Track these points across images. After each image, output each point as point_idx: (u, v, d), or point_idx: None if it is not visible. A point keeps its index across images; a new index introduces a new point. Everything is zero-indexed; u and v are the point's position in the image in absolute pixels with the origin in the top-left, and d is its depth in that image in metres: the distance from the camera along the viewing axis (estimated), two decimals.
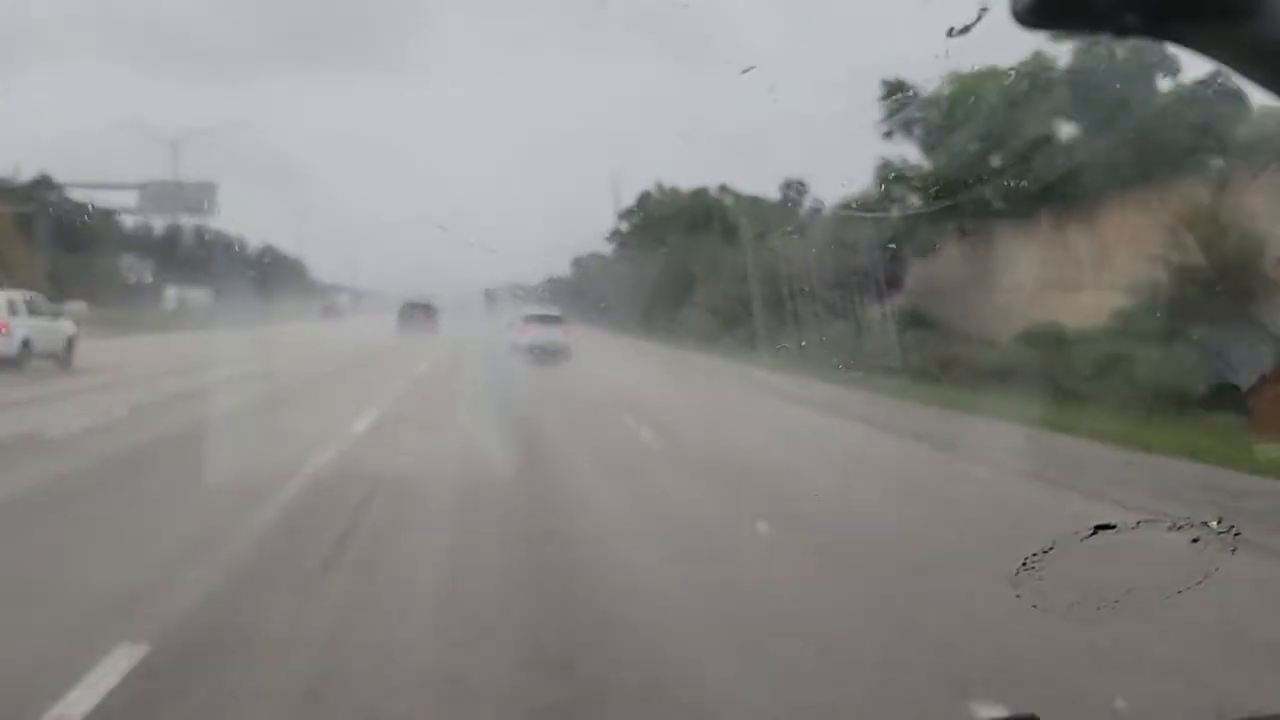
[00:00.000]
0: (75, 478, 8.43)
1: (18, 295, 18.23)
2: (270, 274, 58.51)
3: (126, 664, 4.08)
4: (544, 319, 27.00)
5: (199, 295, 35.16)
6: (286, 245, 73.18)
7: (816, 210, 37.54)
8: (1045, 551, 2.18)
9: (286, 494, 7.98)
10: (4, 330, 17.17)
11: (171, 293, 45.00)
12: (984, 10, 1.03)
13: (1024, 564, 2.27)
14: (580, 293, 56.06)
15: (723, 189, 45.89)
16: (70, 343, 19.37)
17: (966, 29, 1.09)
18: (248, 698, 3.98)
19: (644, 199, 49.83)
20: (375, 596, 5.62)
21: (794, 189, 39.10)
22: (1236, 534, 2.03)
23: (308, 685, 4.12)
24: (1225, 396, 10.84)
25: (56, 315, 19.61)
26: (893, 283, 23.87)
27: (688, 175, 47.51)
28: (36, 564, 5.68)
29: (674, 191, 48.00)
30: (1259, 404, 8.62)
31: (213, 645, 4.46)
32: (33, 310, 18.43)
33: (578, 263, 61.12)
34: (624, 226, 51.79)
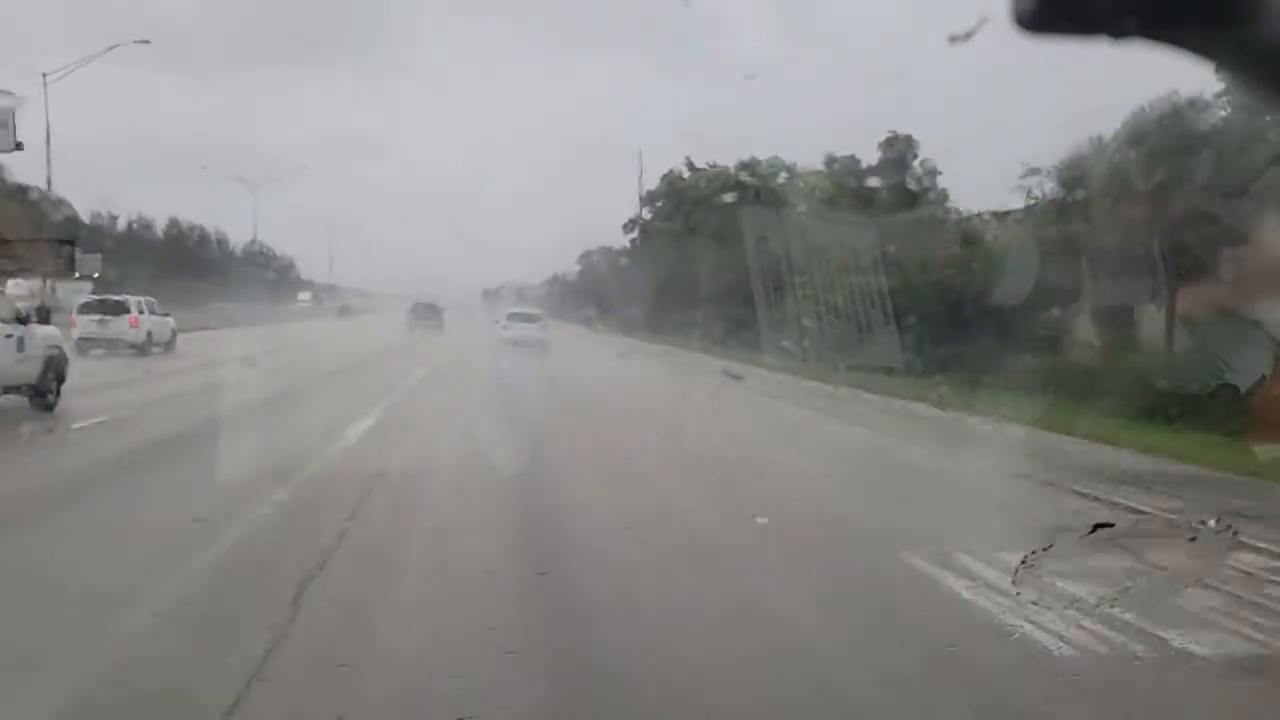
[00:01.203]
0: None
1: (142, 299, 24.31)
2: (255, 270, 56.45)
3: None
4: (524, 317, 31.29)
5: (71, 290, 30.43)
6: (277, 243, 72.22)
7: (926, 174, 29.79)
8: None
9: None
10: (135, 324, 23.13)
11: (16, 285, 38.81)
12: (985, 18, 1.05)
13: (1023, 561, 2.29)
14: (585, 292, 54.81)
15: (774, 163, 37.08)
16: (173, 334, 25.27)
17: (968, 35, 1.11)
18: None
19: (671, 181, 42.27)
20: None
21: (899, 149, 30.09)
22: None
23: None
24: None
25: (165, 315, 25.42)
26: (1191, 268, 14.96)
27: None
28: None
29: (709, 170, 39.20)
30: None
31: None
32: (151, 310, 24.41)
33: (586, 258, 57.78)
34: (646, 214, 44.78)
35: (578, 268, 59.40)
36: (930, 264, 19.80)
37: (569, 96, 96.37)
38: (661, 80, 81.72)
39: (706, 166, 39.49)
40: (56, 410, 12.77)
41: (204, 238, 58.47)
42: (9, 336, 12.25)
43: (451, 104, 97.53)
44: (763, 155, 37.07)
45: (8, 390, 12.31)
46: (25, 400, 12.63)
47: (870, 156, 31.66)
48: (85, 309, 22.79)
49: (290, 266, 64.29)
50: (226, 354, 21.38)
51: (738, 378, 20.56)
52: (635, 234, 46.67)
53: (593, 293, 51.85)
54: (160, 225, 56.04)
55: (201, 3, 76.09)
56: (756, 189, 34.63)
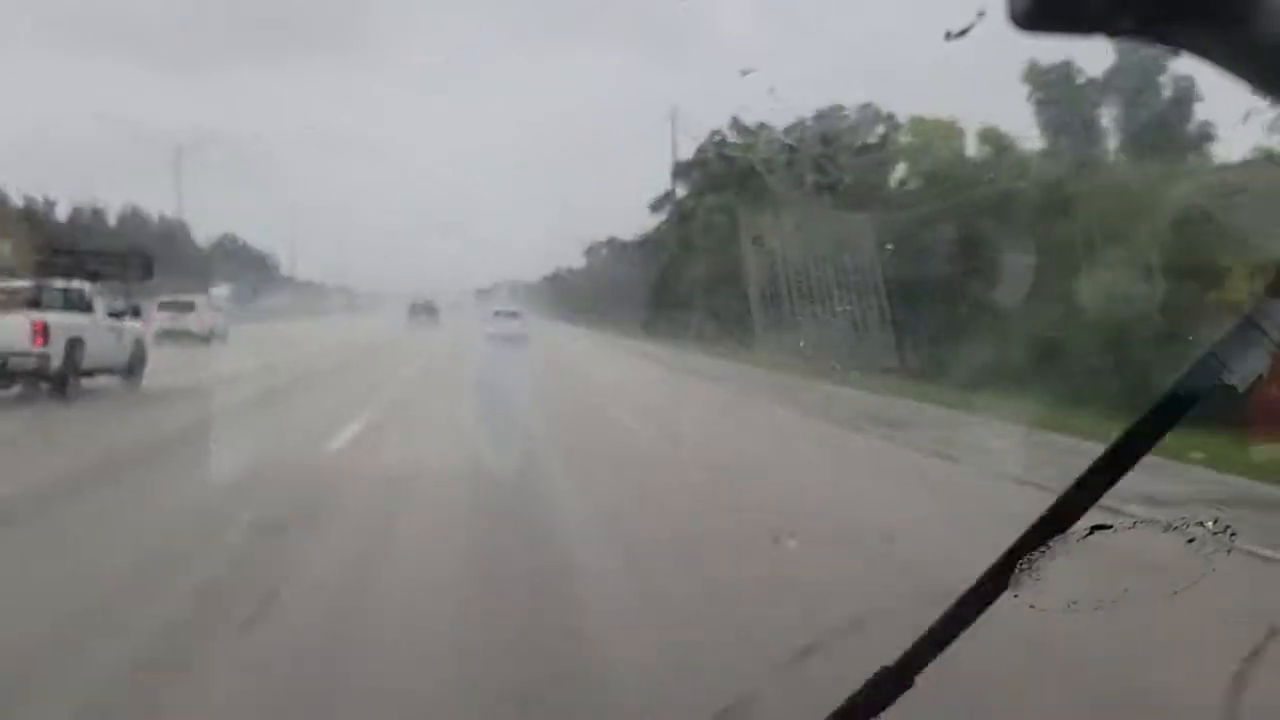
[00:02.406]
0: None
1: (205, 299, 31.07)
2: (230, 266, 53.53)
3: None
4: (508, 314, 38.04)
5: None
6: (262, 241, 70.68)
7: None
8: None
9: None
10: (199, 320, 29.34)
11: None
12: (981, 13, 1.04)
13: (1020, 565, 2.26)
14: (582, 289, 53.82)
15: (865, 112, 28.45)
16: (226, 327, 31.13)
17: (964, 32, 1.10)
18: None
19: (715, 146, 34.70)
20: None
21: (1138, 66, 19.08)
22: None
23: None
24: None
25: (219, 310, 32.37)
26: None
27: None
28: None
29: (765, 130, 30.09)
30: None
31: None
32: (213, 307, 31.47)
33: (594, 251, 52.94)
34: (680, 189, 38.46)
35: (581, 263, 56.82)
36: None
37: (564, 92, 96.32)
38: (658, 75, 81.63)
39: (757, 127, 30.91)
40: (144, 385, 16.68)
41: (169, 229, 55.45)
42: (112, 330, 15.85)
43: (446, 101, 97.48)
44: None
45: (106, 371, 15.79)
46: (120, 379, 16.39)
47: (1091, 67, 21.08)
48: (163, 306, 27.09)
49: (271, 263, 61.66)
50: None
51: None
52: (666, 213, 40.25)
53: (591, 289, 50.51)
54: (114, 214, 53.23)
55: None
56: (844, 147, 26.98)
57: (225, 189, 73.62)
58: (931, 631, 1.17)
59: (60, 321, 14.37)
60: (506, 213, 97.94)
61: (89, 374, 15.17)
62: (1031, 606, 3.68)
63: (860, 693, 1.21)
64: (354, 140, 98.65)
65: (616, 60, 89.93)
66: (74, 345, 14.52)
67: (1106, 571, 1.15)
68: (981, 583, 1.17)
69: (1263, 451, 9.33)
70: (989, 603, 1.16)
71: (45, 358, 13.96)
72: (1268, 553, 6.95)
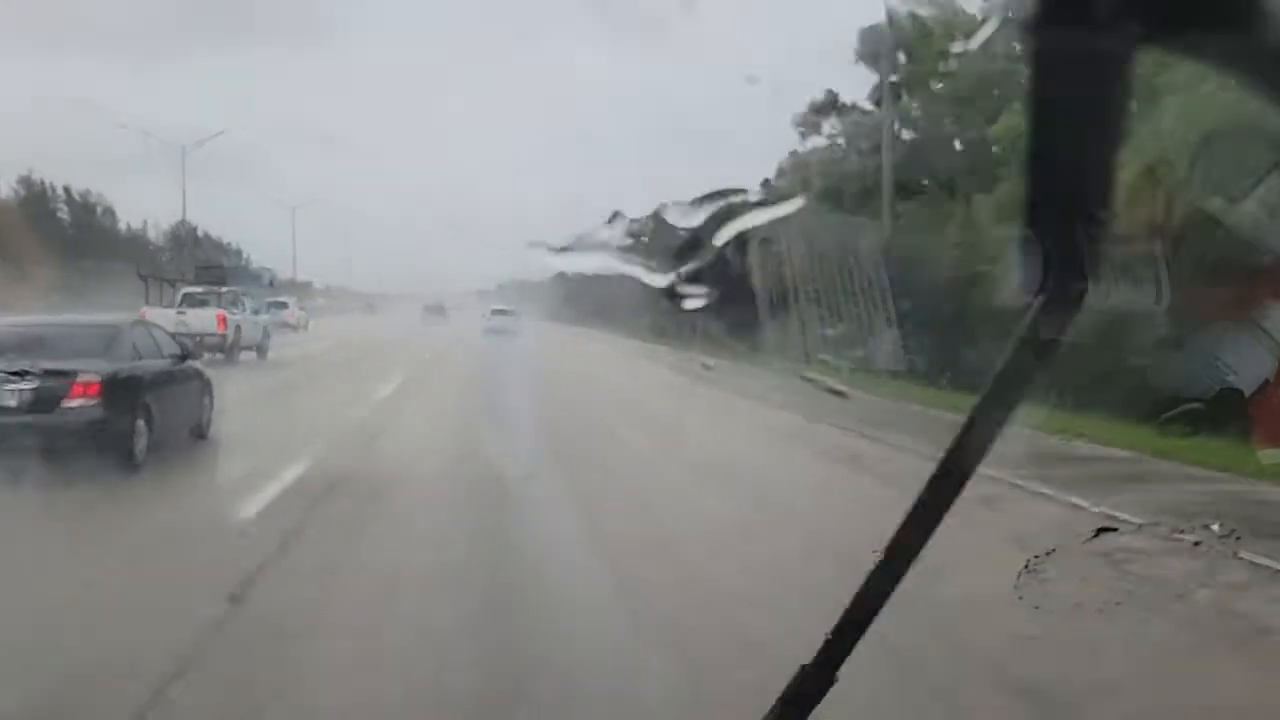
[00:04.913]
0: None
1: (297, 301, 38.55)
2: (171, 259, 41.56)
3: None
4: (502, 313, 41.60)
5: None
6: (233, 235, 65.03)
7: None
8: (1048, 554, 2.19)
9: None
10: (291, 314, 36.70)
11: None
12: (988, 15, 1.04)
13: (1026, 566, 2.28)
14: (588, 289, 52.64)
15: None
16: (308, 320, 39.13)
17: (971, 37, 1.10)
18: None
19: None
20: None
21: None
22: None
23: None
24: None
25: (304, 309, 39.66)
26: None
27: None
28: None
29: None
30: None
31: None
32: (300, 306, 38.92)
33: (640, 224, 46.41)
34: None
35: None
36: None
37: (569, 86, 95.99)
38: (659, 73, 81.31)
39: None
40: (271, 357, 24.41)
41: (89, 208, 43.74)
42: (253, 320, 23.39)
43: (447, 99, 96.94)
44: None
45: (249, 348, 22.77)
46: (254, 354, 23.36)
47: None
48: (269, 305, 33.28)
49: (215, 250, 49.70)
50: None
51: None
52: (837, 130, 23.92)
53: (601, 289, 47.65)
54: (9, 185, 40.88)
55: None
56: None
57: (211, 185, 72.41)
58: (846, 617, 1.17)
59: (230, 314, 22.14)
60: (511, 214, 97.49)
61: (241, 350, 22.39)
62: (1036, 608, 3.65)
63: (786, 694, 1.21)
64: (353, 141, 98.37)
65: (622, 49, 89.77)
66: (237, 330, 22.10)
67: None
68: (888, 556, 1.12)
69: (1269, 455, 9.27)
70: (898, 579, 1.12)
71: (224, 338, 21.49)
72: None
